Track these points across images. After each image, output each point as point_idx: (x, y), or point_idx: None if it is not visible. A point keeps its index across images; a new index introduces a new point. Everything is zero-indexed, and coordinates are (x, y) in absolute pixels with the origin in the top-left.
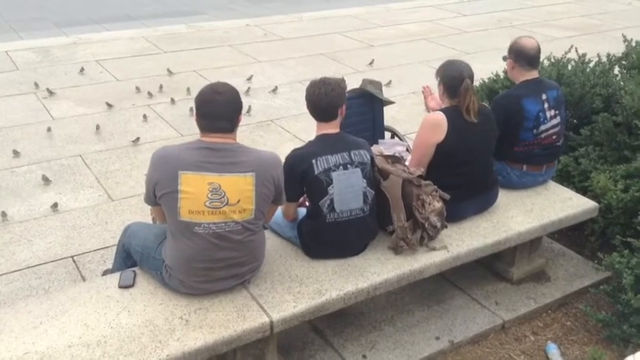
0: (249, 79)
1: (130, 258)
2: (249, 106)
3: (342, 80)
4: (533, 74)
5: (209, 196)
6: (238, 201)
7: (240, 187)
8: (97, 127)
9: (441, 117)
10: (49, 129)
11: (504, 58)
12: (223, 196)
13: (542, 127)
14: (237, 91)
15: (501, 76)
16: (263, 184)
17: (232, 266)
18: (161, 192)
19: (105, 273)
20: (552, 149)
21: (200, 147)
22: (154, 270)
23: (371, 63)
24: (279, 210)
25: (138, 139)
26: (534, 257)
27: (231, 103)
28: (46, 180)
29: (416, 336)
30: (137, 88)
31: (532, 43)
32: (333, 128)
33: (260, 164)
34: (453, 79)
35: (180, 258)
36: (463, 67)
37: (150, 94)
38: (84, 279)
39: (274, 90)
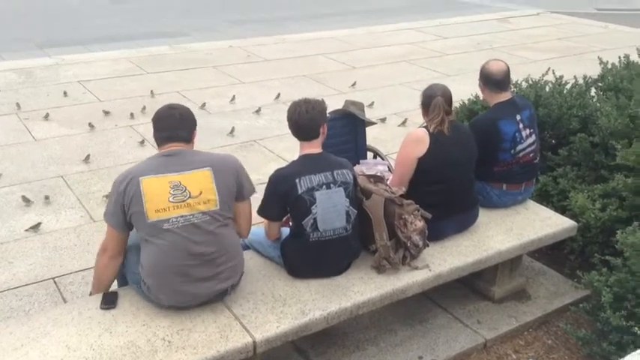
0: (233, 99)
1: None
2: (233, 127)
3: (323, 101)
4: (506, 96)
5: (171, 192)
6: (200, 193)
7: (199, 180)
8: (87, 157)
9: (423, 132)
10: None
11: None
12: (185, 191)
13: (520, 147)
14: (191, 110)
15: (481, 97)
16: (221, 177)
17: (209, 264)
18: (128, 204)
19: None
20: (530, 167)
21: (158, 156)
22: (135, 283)
23: (353, 85)
24: (262, 229)
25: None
26: (515, 276)
27: (186, 116)
28: (26, 201)
29: (399, 356)
30: (120, 110)
31: (500, 67)
32: (315, 148)
33: (215, 161)
34: (428, 97)
35: (156, 259)
36: (438, 87)
37: (132, 115)
38: (65, 301)
39: (257, 111)
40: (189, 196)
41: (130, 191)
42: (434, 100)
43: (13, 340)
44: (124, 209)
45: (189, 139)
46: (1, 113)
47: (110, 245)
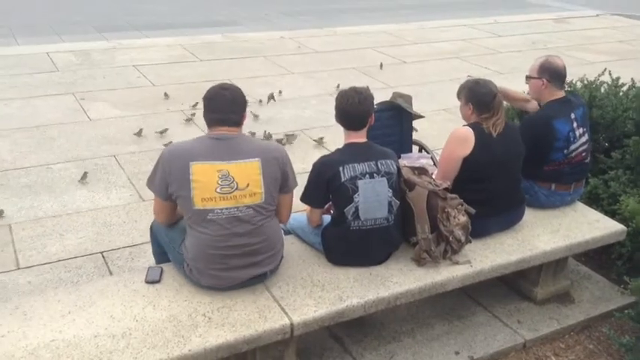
0: (281, 89)
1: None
2: (280, 117)
3: (368, 88)
4: (562, 93)
5: (219, 182)
6: (247, 185)
7: (247, 172)
8: (140, 132)
9: (469, 131)
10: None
11: (527, 79)
12: (232, 182)
13: (573, 147)
14: (240, 89)
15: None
16: (269, 169)
17: (249, 254)
18: (175, 186)
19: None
20: (581, 166)
21: (208, 138)
22: (178, 263)
23: (380, 66)
24: (304, 216)
25: (170, 142)
26: (559, 278)
27: (237, 99)
28: (80, 178)
29: (435, 350)
30: (172, 94)
31: (562, 63)
32: (361, 137)
33: (264, 151)
34: (485, 95)
35: (197, 246)
36: (490, 84)
37: (184, 100)
38: (111, 275)
39: (305, 101)
40: (236, 188)
41: (178, 174)
42: (496, 100)
43: (61, 307)
44: (167, 185)
45: (239, 121)
46: (58, 92)
47: (157, 211)
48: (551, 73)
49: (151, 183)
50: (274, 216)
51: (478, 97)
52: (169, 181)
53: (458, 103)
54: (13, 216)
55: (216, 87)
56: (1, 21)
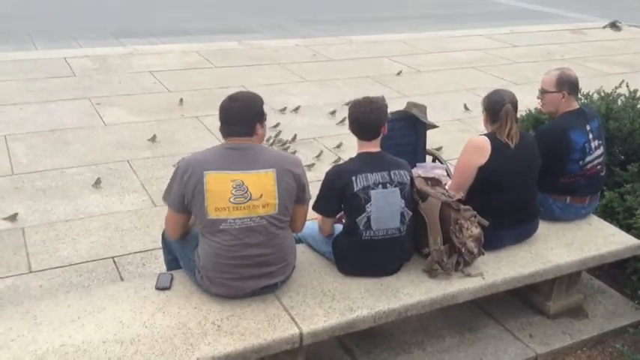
0: (295, 97)
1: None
2: (299, 129)
3: (383, 98)
4: (576, 105)
5: (233, 192)
6: (261, 195)
7: (262, 182)
8: (154, 137)
9: (485, 140)
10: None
11: (543, 94)
12: (246, 192)
13: (588, 158)
14: (257, 99)
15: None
16: (284, 180)
17: (261, 265)
18: (190, 195)
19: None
20: (596, 179)
21: (223, 148)
22: (189, 270)
23: (399, 73)
24: (316, 224)
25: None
26: (572, 292)
27: (246, 110)
28: (94, 182)
29: None
30: (187, 100)
31: (575, 73)
32: (374, 147)
33: (280, 161)
34: (495, 103)
35: (210, 255)
36: (506, 93)
37: (199, 107)
38: (122, 279)
39: (319, 109)
40: (250, 198)
41: (192, 183)
42: (504, 108)
43: (71, 312)
44: (184, 196)
45: (251, 132)
46: (75, 97)
47: (170, 227)
48: (570, 85)
49: (167, 195)
50: (288, 227)
51: (490, 104)
52: (186, 192)
53: (472, 114)
54: (27, 219)
55: (226, 98)
56: (21, 26)
